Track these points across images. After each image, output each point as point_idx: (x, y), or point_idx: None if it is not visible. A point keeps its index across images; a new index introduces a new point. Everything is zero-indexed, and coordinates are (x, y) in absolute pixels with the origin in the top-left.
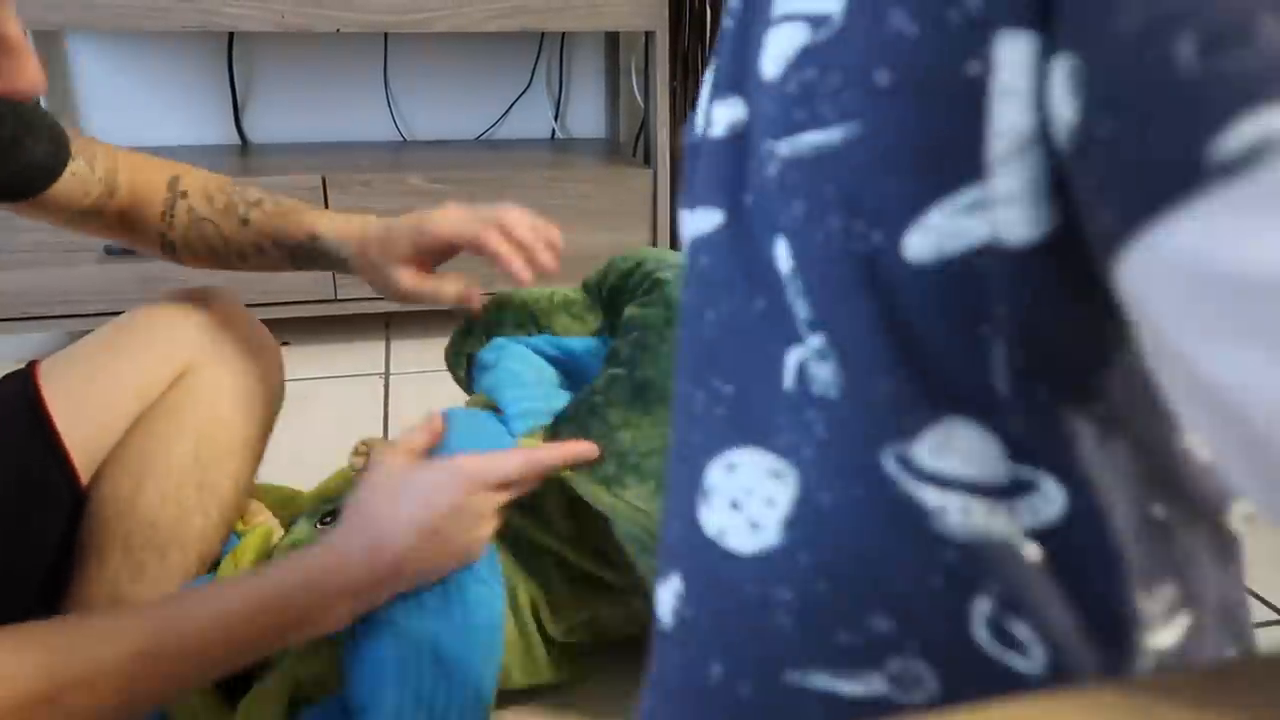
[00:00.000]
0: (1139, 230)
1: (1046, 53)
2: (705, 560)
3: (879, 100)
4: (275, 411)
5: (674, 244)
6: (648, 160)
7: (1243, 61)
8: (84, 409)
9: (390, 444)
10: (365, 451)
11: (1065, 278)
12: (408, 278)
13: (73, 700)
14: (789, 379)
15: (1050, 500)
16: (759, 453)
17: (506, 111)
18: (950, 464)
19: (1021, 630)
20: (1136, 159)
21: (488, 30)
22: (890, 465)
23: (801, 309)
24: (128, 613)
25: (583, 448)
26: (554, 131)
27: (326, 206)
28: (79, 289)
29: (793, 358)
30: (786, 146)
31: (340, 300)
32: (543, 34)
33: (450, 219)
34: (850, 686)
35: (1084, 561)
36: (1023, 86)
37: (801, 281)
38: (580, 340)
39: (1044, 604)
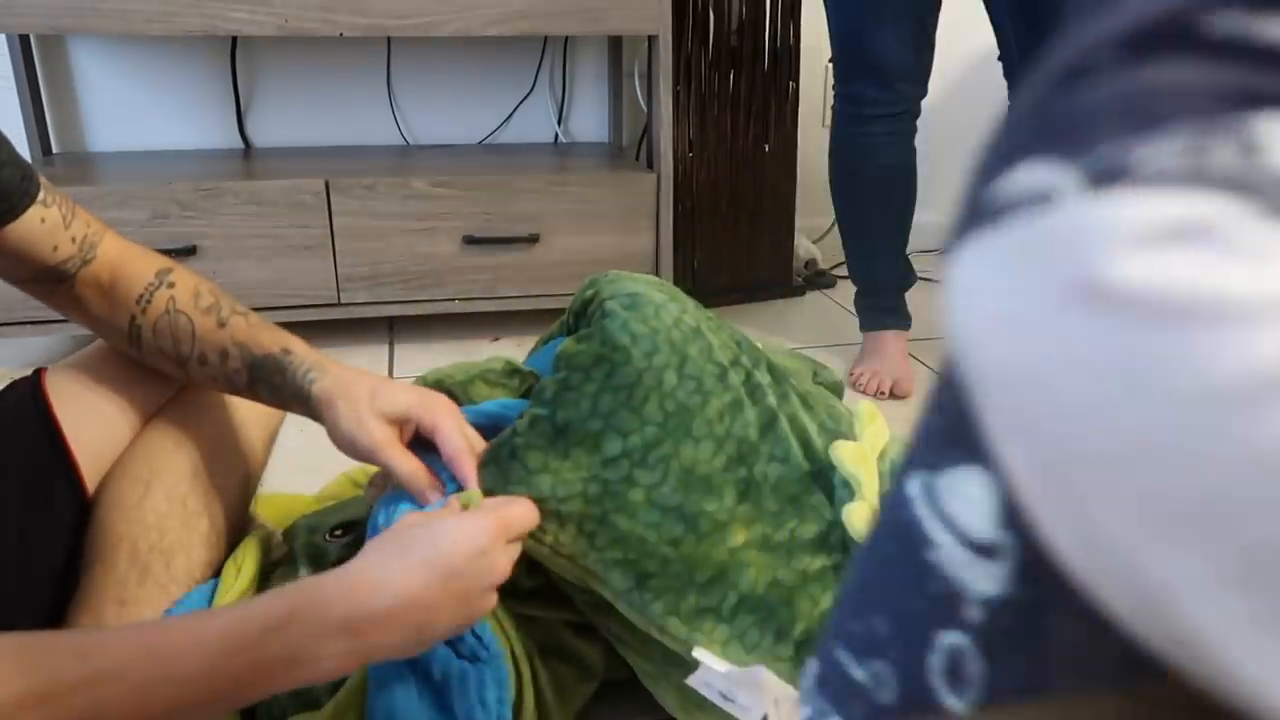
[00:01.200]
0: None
1: None
2: None
3: None
4: (279, 420)
5: (675, 245)
6: (651, 164)
7: (1058, 106)
8: (91, 416)
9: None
10: (381, 484)
11: None
12: (397, 446)
13: (29, 717)
14: None
15: (994, 577)
16: None
17: (510, 116)
18: (955, 507)
19: (968, 672)
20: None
21: (491, 34)
22: (915, 488)
23: None
24: (102, 633)
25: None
26: (557, 136)
27: (329, 210)
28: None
29: None
30: None
31: (344, 304)
32: (546, 38)
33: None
34: (857, 671)
35: (1008, 644)
36: None
37: None
38: (498, 402)
39: (982, 661)
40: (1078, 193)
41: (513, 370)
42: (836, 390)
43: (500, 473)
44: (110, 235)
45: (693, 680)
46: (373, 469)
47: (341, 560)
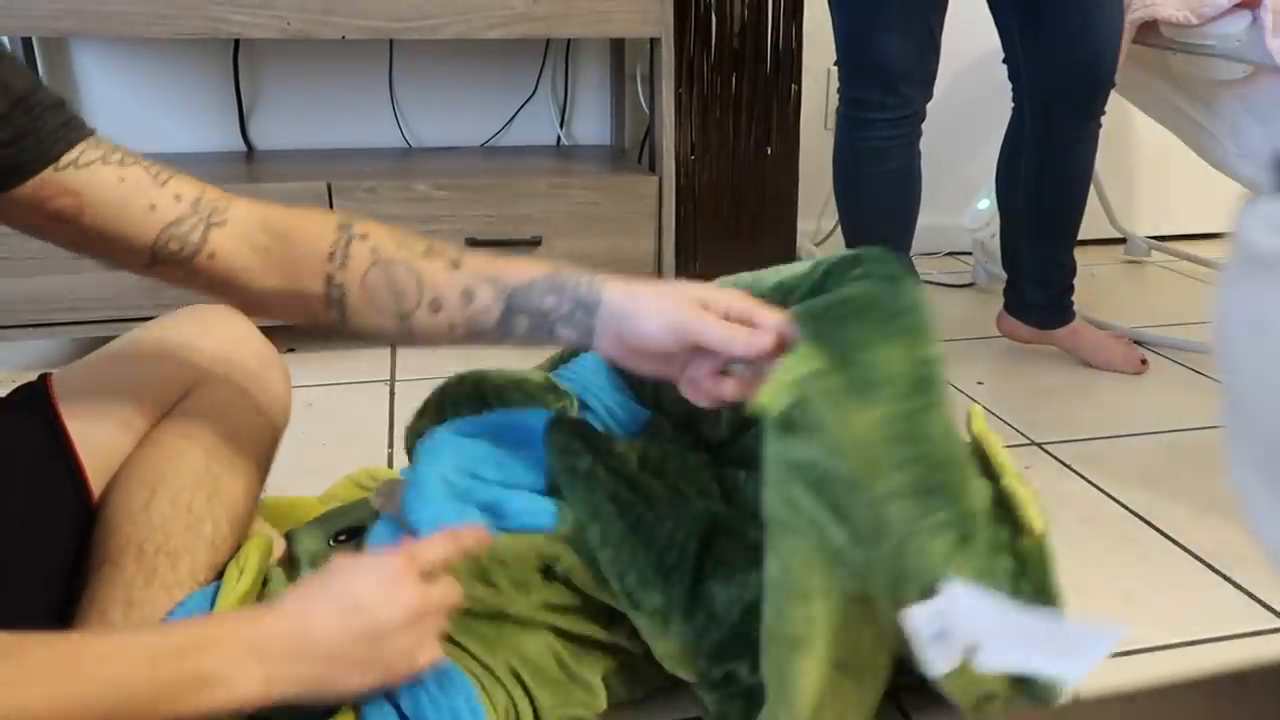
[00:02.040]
0: None
1: None
2: None
3: None
4: (283, 425)
5: (677, 248)
6: (653, 167)
7: None
8: (97, 420)
9: (407, 484)
10: (388, 492)
11: None
12: (712, 316)
13: None
14: None
15: None
16: None
17: (512, 118)
18: None
19: None
20: None
21: (493, 37)
22: None
23: None
24: (27, 637)
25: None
26: (559, 138)
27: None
28: (86, 295)
29: None
30: None
31: None
32: (548, 41)
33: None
34: None
35: None
36: None
37: None
38: (530, 412)
39: None
40: None
41: (551, 386)
42: None
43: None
44: (242, 200)
45: (919, 612)
46: (381, 474)
47: None
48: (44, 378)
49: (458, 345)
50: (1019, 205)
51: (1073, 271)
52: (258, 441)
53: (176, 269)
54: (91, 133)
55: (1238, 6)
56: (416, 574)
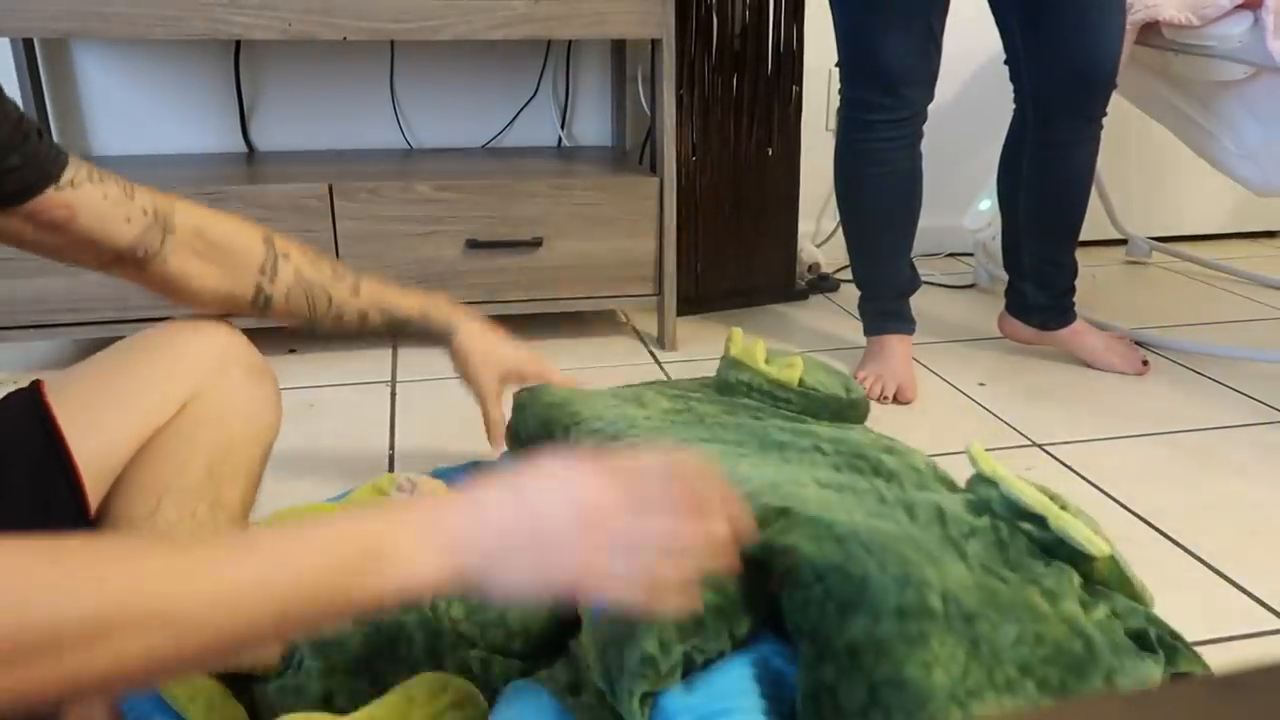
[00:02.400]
0: None
1: None
2: None
3: None
4: (274, 437)
5: (678, 249)
6: (654, 168)
7: None
8: (94, 428)
9: (429, 480)
10: (409, 488)
11: None
12: (495, 401)
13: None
14: None
15: None
16: None
17: (513, 120)
18: None
19: None
20: None
21: (494, 39)
22: None
23: None
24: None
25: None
26: (560, 139)
27: (333, 214)
28: (86, 297)
29: None
30: None
31: None
32: (549, 42)
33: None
34: None
35: None
36: None
37: None
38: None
39: None
40: None
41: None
42: (861, 409)
43: None
44: (183, 203)
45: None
46: (396, 476)
47: None
48: (36, 384)
49: (362, 337)
50: (1020, 206)
51: (1074, 273)
52: (252, 452)
53: (134, 269)
54: (68, 154)
55: (1239, 8)
56: (606, 480)
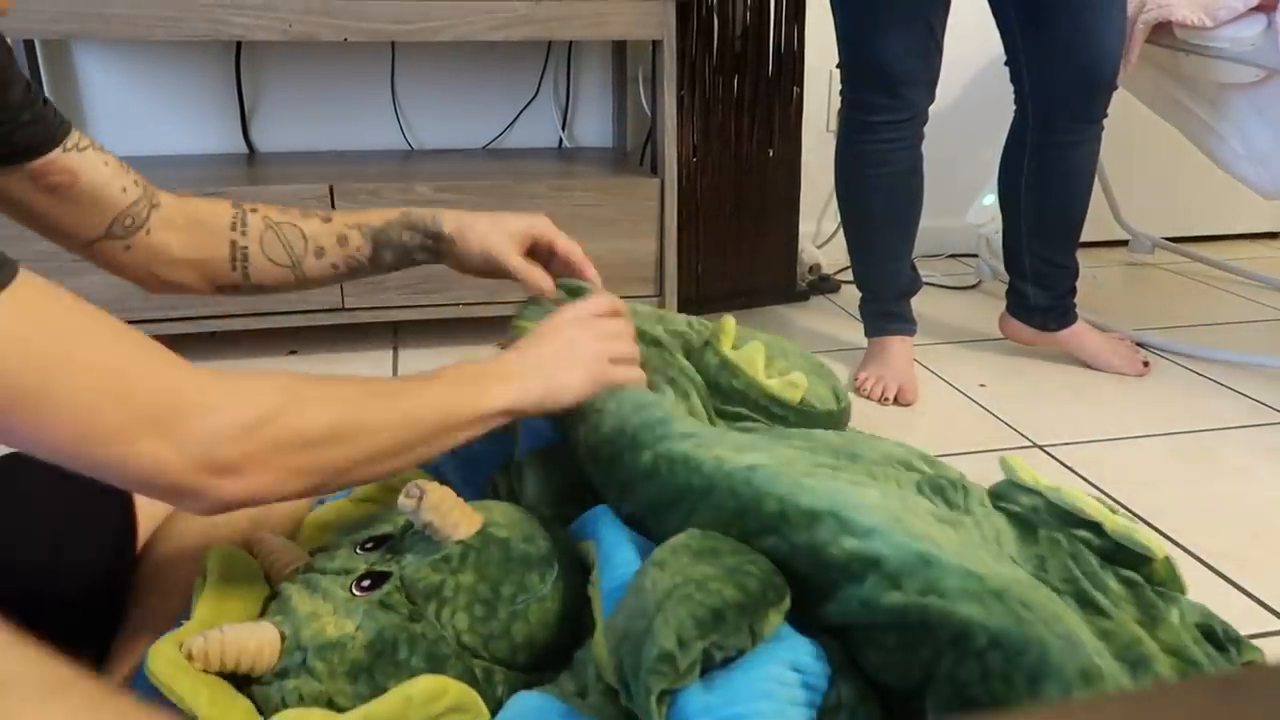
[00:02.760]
0: None
1: None
2: None
3: None
4: (309, 508)
5: (679, 250)
6: (655, 169)
7: None
8: None
9: (437, 487)
10: (417, 495)
11: None
12: (518, 255)
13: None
14: None
15: None
16: None
17: (513, 121)
18: None
19: None
20: None
21: (494, 39)
22: None
23: None
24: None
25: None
26: (561, 141)
27: None
28: (90, 297)
29: None
30: None
31: (348, 309)
32: (550, 43)
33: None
34: None
35: None
36: None
37: None
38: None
39: None
40: None
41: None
42: (846, 416)
43: None
44: (161, 190)
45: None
46: (409, 477)
47: (371, 573)
48: None
49: (342, 282)
50: (1021, 208)
51: (1075, 273)
52: (297, 510)
53: (119, 243)
54: (70, 122)
55: (1252, 10)
56: (597, 316)
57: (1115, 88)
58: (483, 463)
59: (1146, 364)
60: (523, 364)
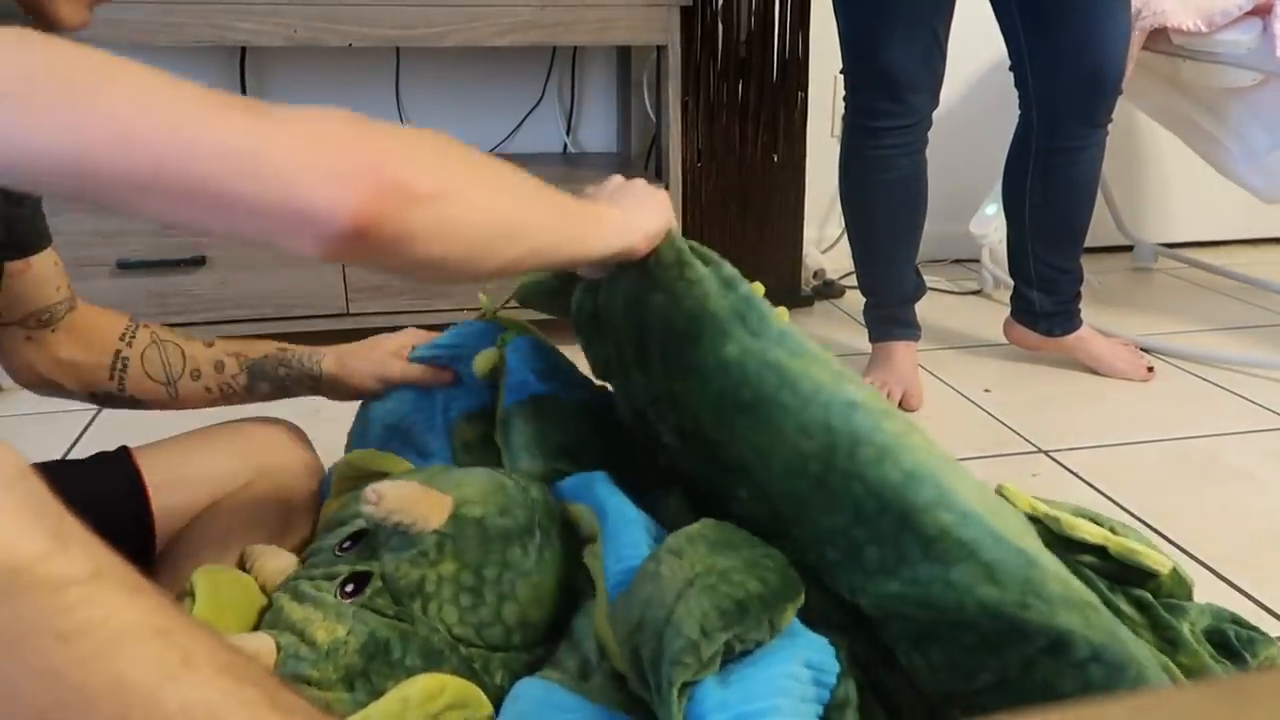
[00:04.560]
0: None
1: None
2: None
3: None
4: (310, 528)
5: None
6: (659, 174)
7: None
8: (173, 484)
9: (394, 484)
10: (375, 499)
11: None
12: (402, 365)
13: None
14: None
15: None
16: None
17: (518, 126)
18: None
19: None
20: None
21: (499, 44)
22: None
23: None
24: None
25: None
26: (565, 145)
27: None
28: (91, 299)
29: None
30: None
31: (353, 314)
32: (554, 48)
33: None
34: None
35: None
36: None
37: None
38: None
39: None
40: None
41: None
42: None
43: None
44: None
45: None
46: (358, 465)
47: (353, 575)
48: (123, 448)
49: (218, 406)
50: (1026, 213)
51: (1080, 279)
52: (305, 531)
53: (23, 332)
54: None
55: (1249, 14)
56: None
57: (1120, 92)
58: (442, 404)
59: (1151, 369)
60: (599, 213)
